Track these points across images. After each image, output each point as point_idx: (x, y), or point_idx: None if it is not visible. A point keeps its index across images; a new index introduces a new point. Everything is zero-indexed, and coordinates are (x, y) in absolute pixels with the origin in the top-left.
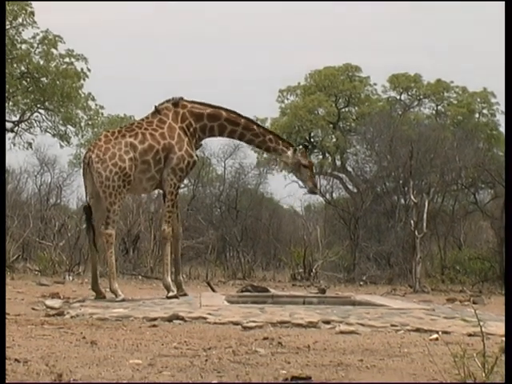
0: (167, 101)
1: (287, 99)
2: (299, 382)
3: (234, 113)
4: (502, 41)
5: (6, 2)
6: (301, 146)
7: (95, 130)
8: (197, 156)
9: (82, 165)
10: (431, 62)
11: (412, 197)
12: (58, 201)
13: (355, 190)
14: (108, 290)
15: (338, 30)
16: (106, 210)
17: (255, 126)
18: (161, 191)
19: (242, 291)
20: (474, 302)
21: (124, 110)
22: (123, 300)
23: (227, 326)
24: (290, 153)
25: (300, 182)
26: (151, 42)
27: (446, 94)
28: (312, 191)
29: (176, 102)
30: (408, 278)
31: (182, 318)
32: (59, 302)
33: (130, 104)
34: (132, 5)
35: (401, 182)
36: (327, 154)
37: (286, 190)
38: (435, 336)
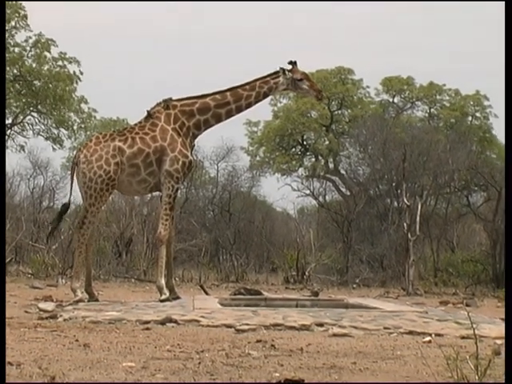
0: (158, 104)
1: (280, 102)
2: None
3: (218, 93)
4: (495, 44)
5: None
6: (286, 68)
7: (88, 133)
8: (192, 156)
9: (71, 164)
10: (424, 64)
11: (405, 199)
12: (51, 204)
13: (348, 193)
14: (101, 292)
15: (330, 32)
16: (85, 209)
17: (241, 90)
18: (154, 193)
19: (235, 294)
20: (466, 305)
21: (117, 113)
22: (80, 300)
23: (220, 329)
24: (281, 79)
25: (293, 185)
26: (146, 44)
27: (438, 97)
28: (318, 98)
29: (166, 104)
30: (401, 280)
31: (175, 321)
32: (52, 305)
33: (123, 107)
34: (126, 7)
35: (394, 184)
36: (320, 157)
37: (279, 192)
38: (428, 338)
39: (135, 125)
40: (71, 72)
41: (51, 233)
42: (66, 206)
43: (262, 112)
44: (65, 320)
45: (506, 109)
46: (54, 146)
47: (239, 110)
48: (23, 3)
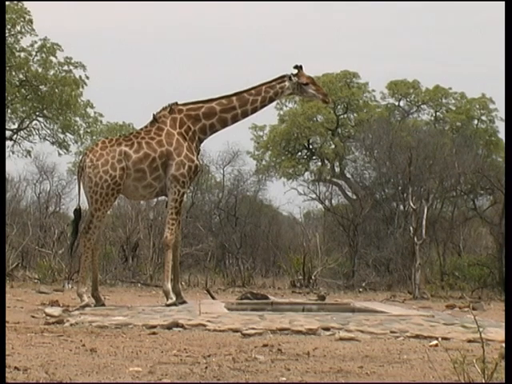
0: (164, 108)
1: (286, 106)
2: None
3: (224, 97)
4: (501, 46)
5: (5, 10)
6: (291, 72)
7: (94, 137)
8: (198, 160)
9: (77, 168)
10: (429, 67)
11: (411, 203)
12: (57, 209)
13: (354, 197)
14: (108, 297)
15: (335, 36)
16: (90, 214)
17: (246, 95)
18: (160, 198)
19: (242, 298)
20: (473, 309)
21: (123, 117)
22: (87, 305)
23: (227, 334)
24: (287, 83)
25: (299, 189)
26: (152, 48)
27: (444, 101)
28: (324, 101)
29: (172, 109)
30: (407, 284)
31: (182, 326)
32: (59, 310)
33: (128, 111)
34: (132, 10)
35: (400, 188)
36: (326, 161)
37: (285, 196)
38: (435, 342)
39: (141, 129)
40: (77, 76)
41: (72, 244)
42: (78, 212)
43: (268, 116)
44: (71, 325)
45: (505, 112)
46: (60, 151)
47: (245, 114)
48: (28, 8)
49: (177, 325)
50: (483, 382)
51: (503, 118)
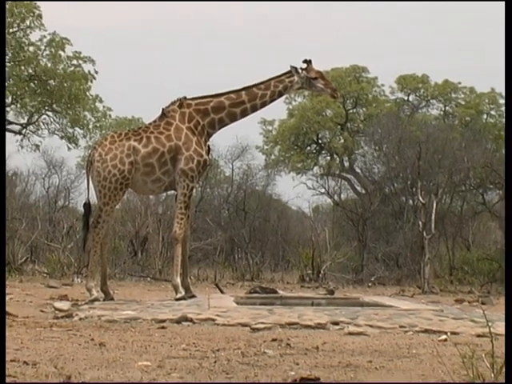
0: (173, 103)
1: (295, 101)
2: (308, 383)
3: (233, 92)
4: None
5: (14, 5)
6: (300, 66)
7: (103, 131)
8: (208, 155)
9: (86, 163)
10: (439, 62)
11: (420, 198)
12: (66, 203)
13: (363, 191)
14: (117, 291)
15: (345, 30)
16: (99, 209)
17: (256, 89)
18: (169, 192)
19: (251, 293)
20: (482, 303)
21: (132, 112)
22: (96, 299)
23: (236, 328)
24: (296, 77)
25: (308, 184)
26: (160, 43)
27: (453, 95)
28: (333, 96)
29: (181, 103)
30: (416, 278)
31: (191, 320)
32: (68, 304)
33: (137, 106)
34: (140, 6)
35: (409, 182)
36: (335, 156)
37: (294, 191)
38: (444, 337)
39: (150, 124)
40: (86, 71)
41: (85, 239)
42: (87, 206)
43: (277, 111)
44: (80, 319)
45: (506, 109)
46: (69, 146)
47: (254, 109)
48: (38, 2)
49: (186, 319)
50: (492, 376)
51: None
